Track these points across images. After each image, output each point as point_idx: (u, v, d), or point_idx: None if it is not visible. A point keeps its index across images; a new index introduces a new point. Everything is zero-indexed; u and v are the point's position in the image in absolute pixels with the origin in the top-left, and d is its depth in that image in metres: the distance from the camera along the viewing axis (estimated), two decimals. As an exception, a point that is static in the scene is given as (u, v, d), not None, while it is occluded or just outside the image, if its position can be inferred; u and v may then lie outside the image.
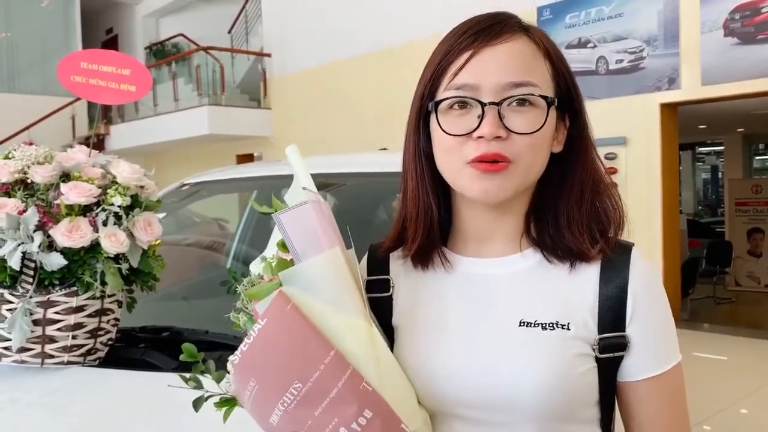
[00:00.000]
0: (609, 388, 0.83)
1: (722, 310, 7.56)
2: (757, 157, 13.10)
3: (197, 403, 0.80)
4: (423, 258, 0.88)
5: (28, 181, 1.31)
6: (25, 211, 1.27)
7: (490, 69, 0.79)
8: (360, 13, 8.38)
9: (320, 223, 0.76)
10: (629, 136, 5.90)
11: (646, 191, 5.75)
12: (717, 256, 7.92)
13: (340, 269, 0.76)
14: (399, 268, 0.91)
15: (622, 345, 0.81)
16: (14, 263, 1.25)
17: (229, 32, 12.24)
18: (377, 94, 7.92)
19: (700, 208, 15.09)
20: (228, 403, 0.80)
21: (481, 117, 0.78)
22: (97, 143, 11.22)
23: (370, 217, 2.14)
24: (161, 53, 13.02)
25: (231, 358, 0.76)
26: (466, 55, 0.80)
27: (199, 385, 0.81)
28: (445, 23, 0.95)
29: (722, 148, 12.02)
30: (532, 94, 0.79)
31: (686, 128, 7.97)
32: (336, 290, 0.75)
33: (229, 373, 0.79)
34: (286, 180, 0.86)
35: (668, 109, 5.82)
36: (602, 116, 5.67)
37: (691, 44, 5.54)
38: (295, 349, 0.72)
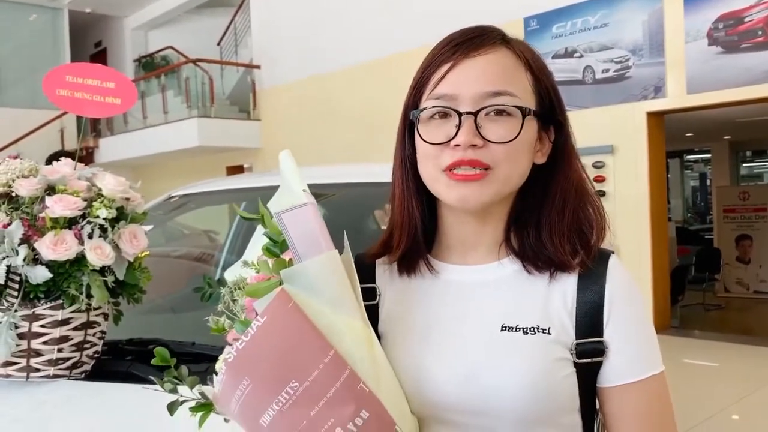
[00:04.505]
0: (589, 395, 0.83)
1: (712, 317, 7.59)
2: (744, 165, 13.22)
3: (172, 407, 0.79)
4: (408, 265, 0.89)
5: (13, 194, 1.31)
6: (9, 224, 1.27)
7: (468, 79, 0.81)
8: (349, 25, 8.42)
9: (320, 225, 0.77)
10: (616, 144, 5.95)
11: (634, 199, 5.78)
12: (706, 263, 7.97)
13: (339, 271, 0.77)
14: (385, 275, 0.92)
15: (600, 350, 0.82)
16: (-1, 277, 1.25)
17: (219, 44, 12.27)
18: (366, 105, 7.95)
19: (689, 215, 15.17)
20: (204, 408, 0.79)
21: (459, 126, 0.80)
22: (87, 156, 11.17)
23: (360, 227, 2.14)
24: (150, 66, 13.03)
25: (223, 356, 0.75)
26: (446, 67, 0.82)
27: (174, 389, 0.80)
28: (433, 34, 0.97)
29: (710, 155, 12.12)
30: (510, 105, 0.80)
31: (673, 136, 8.05)
32: (335, 291, 0.76)
33: (201, 384, 0.78)
34: (275, 191, 0.86)
35: (655, 117, 5.88)
36: (589, 125, 5.72)
37: (676, 53, 5.61)
38: (294, 348, 0.72)
